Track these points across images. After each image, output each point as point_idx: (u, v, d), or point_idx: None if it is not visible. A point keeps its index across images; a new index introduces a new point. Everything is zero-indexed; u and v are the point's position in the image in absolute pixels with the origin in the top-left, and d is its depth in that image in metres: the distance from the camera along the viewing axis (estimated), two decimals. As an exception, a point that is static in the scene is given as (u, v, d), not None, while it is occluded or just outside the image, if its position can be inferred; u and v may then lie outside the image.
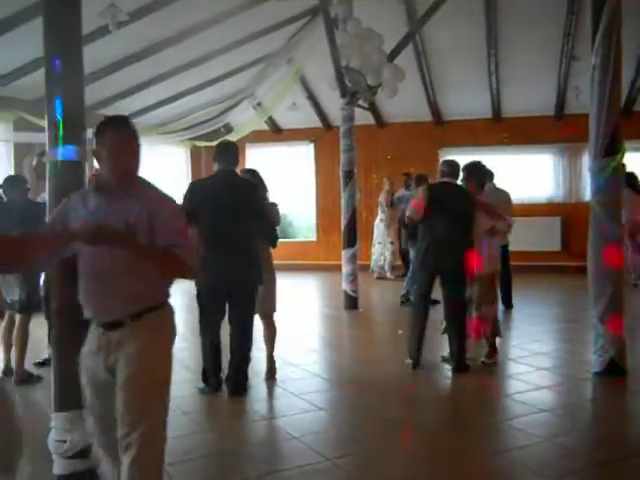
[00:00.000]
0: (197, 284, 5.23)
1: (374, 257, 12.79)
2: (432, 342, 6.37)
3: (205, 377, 5.45)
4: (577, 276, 7.96)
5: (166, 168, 12.64)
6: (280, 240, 5.95)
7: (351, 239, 9.62)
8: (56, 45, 3.64)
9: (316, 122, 14.06)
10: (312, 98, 13.38)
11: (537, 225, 12.38)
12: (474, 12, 10.30)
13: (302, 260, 14.06)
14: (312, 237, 14.80)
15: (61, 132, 3.59)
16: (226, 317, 5.45)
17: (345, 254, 9.62)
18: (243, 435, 4.64)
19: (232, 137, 11.10)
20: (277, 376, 5.84)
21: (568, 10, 10.15)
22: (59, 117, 3.58)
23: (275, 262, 5.91)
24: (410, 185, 10.93)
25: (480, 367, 6.09)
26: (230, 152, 5.46)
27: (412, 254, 8.99)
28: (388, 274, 12.47)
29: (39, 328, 6.00)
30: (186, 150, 14.10)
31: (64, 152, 3.61)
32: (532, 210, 12.52)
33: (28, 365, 6.01)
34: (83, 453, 3.63)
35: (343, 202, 9.65)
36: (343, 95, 9.37)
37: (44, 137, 3.69)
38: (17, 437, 2.79)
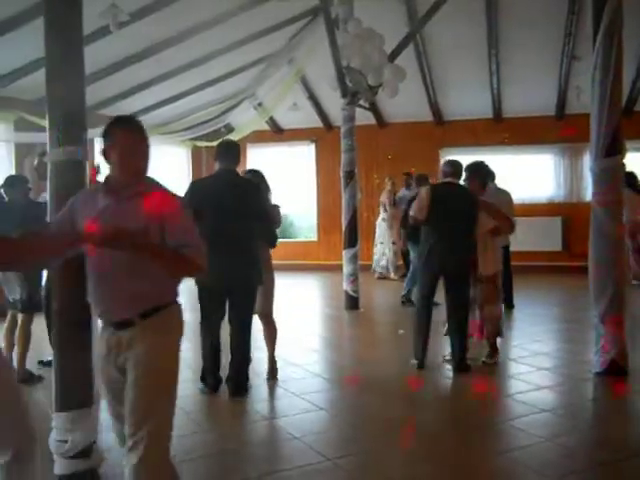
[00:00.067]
0: (197, 283, 5.23)
1: (376, 257, 12.80)
2: (433, 343, 6.35)
3: (204, 377, 5.45)
4: (578, 276, 7.96)
5: (167, 168, 12.64)
6: (281, 240, 5.95)
7: (352, 239, 9.62)
8: (57, 45, 3.64)
9: (317, 122, 14.07)
10: (313, 98, 13.38)
11: (538, 225, 12.38)
12: (475, 12, 10.30)
13: (303, 260, 14.06)
14: (313, 237, 14.80)
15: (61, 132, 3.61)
16: (226, 317, 5.45)
17: (346, 254, 9.61)
18: (244, 435, 4.64)
19: (233, 137, 11.09)
20: (278, 376, 5.84)
21: (569, 10, 10.15)
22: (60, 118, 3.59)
23: (276, 262, 5.91)
24: (411, 185, 10.94)
25: (481, 367, 6.09)
26: (231, 151, 5.46)
27: (412, 254, 9.00)
28: (392, 274, 12.47)
29: (42, 327, 6.00)
30: (187, 150, 14.11)
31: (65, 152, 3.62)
32: (533, 210, 12.52)
33: (32, 364, 6.01)
34: (84, 453, 3.63)
35: (344, 202, 9.65)
36: (344, 95, 9.37)
37: (45, 137, 3.69)
38: (29, 424, 2.83)
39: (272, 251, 5.81)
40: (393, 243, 12.38)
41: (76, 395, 3.62)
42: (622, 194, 5.76)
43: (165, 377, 2.85)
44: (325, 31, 8.99)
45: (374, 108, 12.76)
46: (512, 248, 8.39)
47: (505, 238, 7.58)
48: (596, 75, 5.56)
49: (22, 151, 9.34)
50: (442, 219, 5.80)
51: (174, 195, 2.96)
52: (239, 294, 5.31)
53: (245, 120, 12.54)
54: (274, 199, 6.04)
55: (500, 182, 8.24)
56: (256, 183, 5.62)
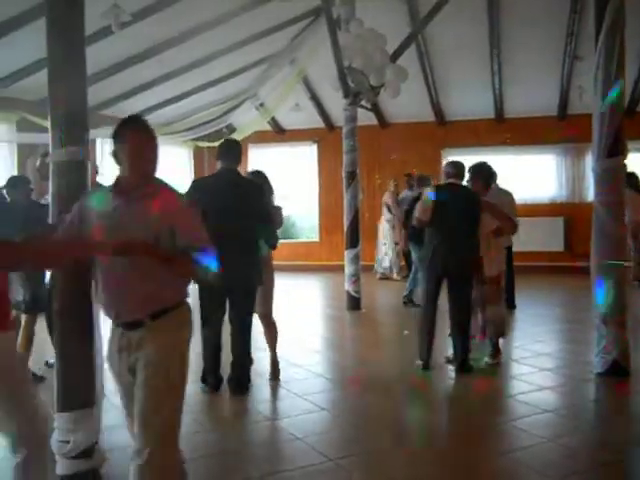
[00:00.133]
0: (197, 283, 5.22)
1: (378, 258, 12.79)
2: (436, 343, 6.35)
3: (204, 377, 5.45)
4: (580, 276, 7.94)
5: (169, 169, 12.64)
6: (283, 241, 5.95)
7: (354, 240, 9.62)
8: (59, 46, 3.64)
9: (319, 123, 14.07)
10: (315, 99, 13.38)
11: (540, 225, 12.36)
12: (477, 12, 10.29)
13: (305, 261, 14.06)
14: (315, 238, 14.80)
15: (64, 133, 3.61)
16: (227, 318, 5.45)
17: (348, 255, 9.61)
18: (245, 435, 4.64)
19: (235, 137, 11.10)
20: (280, 377, 5.83)
21: (571, 9, 10.14)
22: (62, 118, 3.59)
23: (278, 263, 5.92)
24: (413, 186, 10.94)
25: (483, 368, 6.08)
26: (233, 151, 5.47)
27: (414, 255, 9.00)
28: (394, 275, 12.47)
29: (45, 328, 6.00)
30: (189, 150, 14.11)
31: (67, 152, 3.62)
32: (535, 210, 12.50)
33: (36, 365, 6.01)
34: (86, 453, 3.63)
35: (346, 203, 9.65)
36: (346, 95, 9.37)
37: (47, 138, 3.69)
38: (42, 423, 2.84)
39: (274, 252, 5.81)
40: (396, 244, 12.37)
41: (78, 395, 3.62)
42: (624, 194, 5.76)
43: (174, 377, 2.86)
44: (327, 31, 8.98)
45: (376, 108, 12.75)
46: (514, 248, 8.37)
47: (507, 238, 7.57)
48: (598, 75, 5.56)
49: (24, 152, 9.35)
50: (445, 220, 5.79)
51: (184, 196, 2.97)
52: (239, 294, 5.30)
53: (247, 120, 12.54)
54: (276, 200, 6.04)
55: (502, 182, 8.23)
56: (258, 183, 5.61)
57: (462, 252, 5.82)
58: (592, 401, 5.45)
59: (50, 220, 3.70)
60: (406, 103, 11.69)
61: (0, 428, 2.79)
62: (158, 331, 2.82)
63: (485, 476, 3.87)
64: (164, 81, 10.41)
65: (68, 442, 3.55)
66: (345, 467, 3.94)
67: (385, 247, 12.65)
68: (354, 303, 9.40)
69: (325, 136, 14.15)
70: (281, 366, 5.92)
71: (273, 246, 5.67)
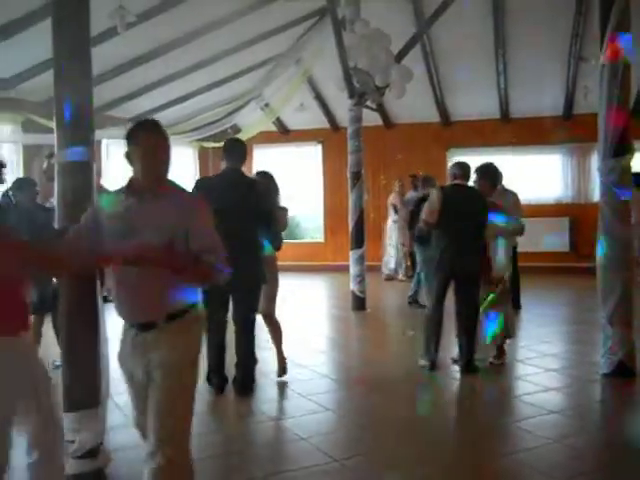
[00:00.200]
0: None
1: (385, 259, 12.77)
2: (441, 343, 6.35)
3: (209, 377, 5.45)
4: (586, 277, 7.93)
5: (173, 169, 12.64)
6: (288, 241, 5.94)
7: (359, 240, 9.62)
8: (65, 47, 3.65)
9: (324, 123, 14.07)
10: (320, 99, 13.38)
11: (545, 226, 12.33)
12: (482, 12, 10.28)
13: (310, 261, 14.06)
14: (320, 238, 14.80)
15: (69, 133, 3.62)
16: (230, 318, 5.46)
17: (353, 255, 9.61)
18: (250, 436, 4.64)
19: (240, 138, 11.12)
20: (285, 377, 5.83)
21: (576, 11, 10.13)
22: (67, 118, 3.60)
23: (283, 263, 5.91)
24: (418, 186, 10.92)
25: (488, 368, 6.07)
26: (237, 150, 5.47)
27: (418, 257, 9.00)
28: (400, 275, 12.46)
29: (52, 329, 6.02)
30: (194, 151, 14.13)
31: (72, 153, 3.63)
32: (540, 211, 12.47)
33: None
34: (92, 453, 3.64)
35: (351, 203, 9.65)
36: (351, 96, 9.37)
37: (53, 138, 3.70)
38: (58, 422, 2.85)
39: (278, 252, 5.80)
40: (402, 245, 12.36)
41: (83, 396, 3.63)
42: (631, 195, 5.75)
43: (187, 378, 2.89)
44: (332, 32, 8.99)
45: (381, 109, 12.75)
46: (519, 249, 8.36)
47: (513, 239, 7.56)
48: (604, 75, 5.54)
49: (30, 152, 9.38)
50: (453, 221, 5.78)
51: (198, 198, 2.98)
52: (242, 293, 5.30)
53: (252, 121, 12.54)
54: (282, 201, 6.03)
55: (507, 183, 8.21)
56: (262, 183, 5.61)
57: (469, 253, 5.81)
58: (598, 402, 5.43)
59: (56, 224, 3.70)
60: (411, 103, 11.67)
61: (16, 428, 2.79)
62: (172, 332, 2.83)
63: (490, 477, 3.86)
64: (169, 82, 10.43)
65: (73, 442, 3.56)
66: (350, 467, 3.94)
67: (391, 248, 12.63)
68: (359, 303, 9.40)
69: (330, 136, 14.14)
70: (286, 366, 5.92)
71: (277, 247, 5.66)
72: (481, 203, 5.93)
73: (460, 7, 9.06)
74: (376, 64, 8.83)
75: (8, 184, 6.21)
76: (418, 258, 9.04)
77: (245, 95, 11.90)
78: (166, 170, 2.90)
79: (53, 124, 3.70)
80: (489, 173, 6.21)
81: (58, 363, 6.26)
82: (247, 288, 5.29)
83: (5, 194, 6.09)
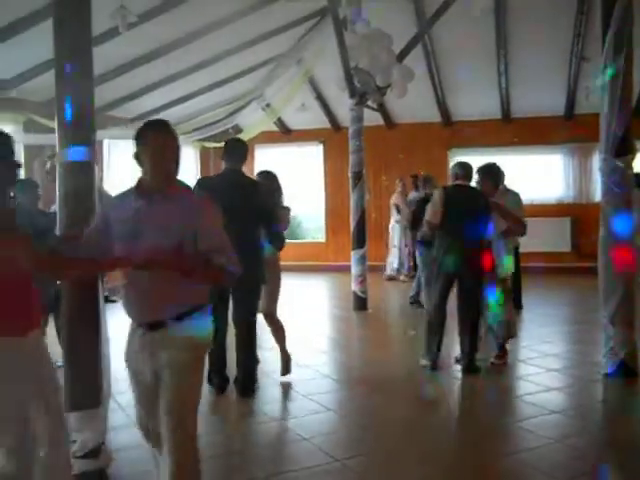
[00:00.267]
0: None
1: (389, 259, 12.76)
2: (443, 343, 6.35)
3: (210, 378, 5.44)
4: (587, 277, 7.93)
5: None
6: (289, 241, 5.93)
7: (360, 240, 9.62)
8: (66, 47, 3.65)
9: (325, 123, 14.07)
10: (321, 99, 13.38)
11: (547, 226, 12.32)
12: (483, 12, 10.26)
13: (311, 261, 14.06)
14: (321, 238, 14.80)
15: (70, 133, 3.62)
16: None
17: (354, 255, 9.61)
18: (251, 436, 4.64)
19: (241, 138, 11.11)
20: (287, 377, 5.82)
21: (578, 10, 10.11)
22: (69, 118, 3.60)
23: (284, 263, 5.91)
24: (419, 187, 10.92)
25: (490, 368, 6.07)
26: (237, 151, 5.46)
27: (418, 257, 9.00)
28: (401, 276, 12.44)
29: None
30: (195, 151, 14.13)
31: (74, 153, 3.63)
32: (542, 211, 12.46)
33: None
34: (93, 453, 3.64)
35: (352, 203, 9.65)
36: (352, 96, 9.37)
37: (54, 138, 3.70)
38: (65, 421, 2.86)
39: (280, 252, 5.79)
40: (405, 245, 12.35)
41: (85, 396, 3.63)
42: (632, 194, 5.74)
43: (195, 377, 2.93)
44: (333, 32, 8.98)
45: (382, 109, 12.75)
46: (521, 249, 8.35)
47: (514, 239, 7.56)
48: (606, 75, 5.54)
49: (32, 153, 9.37)
50: (455, 222, 5.79)
51: (207, 199, 2.99)
52: (242, 294, 5.28)
53: (253, 121, 12.54)
54: (285, 201, 6.03)
55: (509, 183, 8.20)
56: (263, 183, 5.61)
57: (472, 253, 5.82)
58: (600, 402, 5.43)
59: (57, 224, 3.69)
60: (412, 103, 11.66)
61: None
62: (181, 332, 2.84)
63: (492, 477, 3.86)
64: (171, 82, 10.42)
65: (75, 442, 3.56)
66: (352, 467, 3.94)
67: (394, 249, 12.62)
68: (361, 303, 9.40)
69: (331, 136, 14.14)
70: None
71: (279, 247, 5.65)
72: (483, 203, 5.93)
73: (461, 7, 9.03)
74: (377, 64, 8.83)
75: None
76: (418, 258, 9.04)
77: (246, 95, 11.90)
78: (175, 170, 2.90)
79: (54, 124, 3.70)
80: (492, 173, 6.22)
81: (60, 363, 6.26)
82: (247, 288, 5.27)
83: None
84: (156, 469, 3.10)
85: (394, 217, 12.65)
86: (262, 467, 4.01)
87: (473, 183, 6.13)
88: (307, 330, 8.02)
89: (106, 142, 10.77)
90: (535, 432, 4.41)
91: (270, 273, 5.57)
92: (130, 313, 2.95)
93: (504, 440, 4.46)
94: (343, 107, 10.96)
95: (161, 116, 11.15)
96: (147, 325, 2.88)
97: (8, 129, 9.50)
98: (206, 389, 5.42)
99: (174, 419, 2.81)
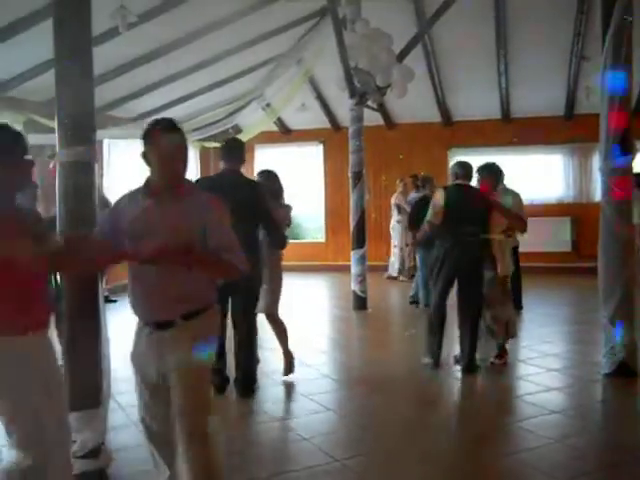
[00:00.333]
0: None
1: (391, 259, 12.75)
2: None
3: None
4: (587, 277, 7.93)
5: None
6: (289, 241, 5.92)
7: (360, 240, 9.62)
8: (66, 47, 3.65)
9: (325, 123, 14.07)
10: (321, 99, 13.38)
11: (547, 226, 12.32)
12: (483, 12, 10.26)
13: (311, 261, 14.05)
14: (321, 238, 14.79)
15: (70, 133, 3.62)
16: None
17: (354, 255, 9.61)
18: (252, 436, 4.64)
19: (241, 138, 11.08)
20: (288, 377, 5.82)
21: (578, 10, 10.11)
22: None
23: (284, 263, 5.90)
24: (419, 187, 10.92)
25: (490, 368, 6.07)
26: (235, 151, 5.42)
27: (418, 256, 9.01)
28: (401, 276, 12.44)
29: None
30: (195, 151, 14.12)
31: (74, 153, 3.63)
32: (542, 211, 12.45)
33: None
34: (93, 453, 3.64)
35: (352, 203, 9.65)
36: (352, 96, 9.37)
37: (54, 138, 3.70)
38: (68, 422, 2.87)
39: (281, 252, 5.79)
40: (406, 245, 12.35)
41: (85, 396, 3.63)
42: (632, 194, 5.74)
43: (206, 376, 2.94)
44: (333, 32, 8.98)
45: (382, 109, 12.74)
46: (521, 249, 8.35)
47: (514, 239, 7.56)
48: (606, 75, 5.54)
49: (32, 153, 9.33)
50: (456, 222, 5.80)
51: (215, 198, 2.99)
52: (241, 294, 5.27)
53: (253, 121, 12.53)
54: (286, 200, 6.03)
55: (509, 183, 8.20)
56: (260, 183, 5.61)
57: (474, 252, 5.83)
58: (600, 402, 5.43)
59: (58, 230, 3.68)
60: (412, 103, 11.66)
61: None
62: (189, 331, 2.84)
63: (492, 477, 3.86)
64: (170, 82, 10.42)
65: (75, 442, 3.56)
66: (352, 467, 3.94)
67: (395, 249, 12.61)
68: (360, 303, 9.40)
69: (331, 136, 14.14)
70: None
71: (282, 246, 5.63)
72: (484, 203, 5.94)
73: (461, 6, 9.04)
74: (377, 64, 8.82)
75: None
76: (417, 258, 9.05)
77: (246, 95, 11.90)
78: (183, 170, 2.90)
79: (55, 124, 3.70)
80: (491, 172, 6.25)
81: (60, 363, 6.25)
82: (246, 288, 5.27)
83: None
84: (156, 469, 3.10)
85: (395, 217, 12.64)
86: (262, 467, 4.02)
87: (473, 182, 6.15)
88: (307, 330, 8.01)
89: (106, 142, 10.76)
90: (535, 432, 4.41)
91: (272, 273, 5.57)
92: (137, 312, 2.95)
93: (504, 440, 4.47)
94: (343, 107, 10.96)
95: (161, 116, 11.15)
96: (154, 324, 2.87)
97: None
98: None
99: (188, 421, 2.82)
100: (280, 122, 14.17)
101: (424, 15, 10.12)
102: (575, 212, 12.89)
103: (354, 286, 9.49)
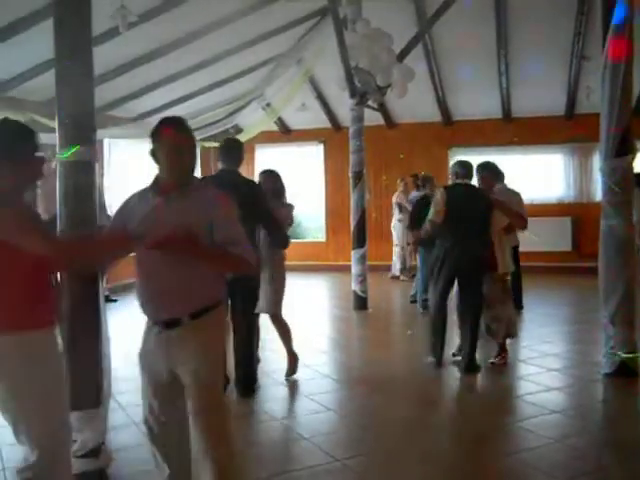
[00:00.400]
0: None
1: (394, 259, 12.74)
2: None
3: None
4: (588, 277, 7.93)
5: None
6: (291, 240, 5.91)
7: (360, 240, 9.62)
8: (66, 47, 3.65)
9: (325, 123, 14.07)
10: (321, 99, 13.38)
11: (548, 225, 12.31)
12: (484, 12, 10.27)
13: (312, 261, 14.05)
14: (321, 238, 14.79)
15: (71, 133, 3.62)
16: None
17: (354, 255, 9.62)
18: (252, 436, 4.64)
19: (241, 138, 11.08)
20: (289, 378, 5.82)
21: (578, 10, 10.11)
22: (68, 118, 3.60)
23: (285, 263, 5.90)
24: (419, 186, 10.93)
25: (490, 368, 6.07)
26: (233, 152, 5.37)
27: (418, 256, 9.01)
28: (401, 276, 12.44)
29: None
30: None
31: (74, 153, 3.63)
32: (542, 210, 12.45)
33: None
34: (94, 453, 3.65)
35: (352, 203, 9.65)
36: (352, 95, 9.37)
37: (55, 138, 3.70)
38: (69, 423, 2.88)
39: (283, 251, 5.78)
40: (408, 244, 12.35)
41: (85, 395, 3.63)
42: (632, 194, 5.74)
43: (219, 375, 2.96)
44: (333, 31, 8.98)
45: (383, 108, 12.74)
46: (521, 248, 8.36)
47: (515, 238, 7.58)
48: (606, 74, 5.54)
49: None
50: (457, 221, 5.81)
51: (222, 194, 3.00)
52: (240, 295, 5.27)
53: (253, 121, 12.53)
54: (288, 199, 6.04)
55: (510, 182, 8.21)
56: (258, 183, 5.61)
57: (474, 252, 5.84)
58: (600, 402, 5.43)
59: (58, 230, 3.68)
60: (413, 103, 11.66)
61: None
62: (198, 330, 2.85)
63: (492, 476, 3.86)
64: (171, 81, 10.42)
65: (75, 441, 3.57)
66: (352, 467, 3.94)
67: (397, 248, 12.61)
68: (361, 303, 9.40)
69: (331, 136, 14.14)
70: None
71: (284, 245, 5.63)
72: (484, 201, 5.96)
73: (462, 6, 9.04)
74: (377, 64, 8.82)
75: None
76: (419, 260, 9.06)
77: (247, 95, 11.90)
78: (191, 167, 2.91)
79: (55, 124, 3.70)
80: (489, 169, 6.33)
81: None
82: (246, 288, 5.27)
83: None
84: (157, 469, 3.10)
85: (396, 216, 12.63)
86: (263, 467, 4.01)
87: (473, 181, 6.18)
88: (307, 330, 8.01)
89: (106, 141, 10.77)
90: (535, 432, 4.41)
91: (275, 273, 5.56)
92: (146, 311, 2.95)
93: (504, 440, 4.46)
94: (343, 107, 10.97)
95: (161, 116, 11.14)
96: (163, 323, 2.87)
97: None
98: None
99: (204, 421, 2.84)
100: (280, 122, 14.17)
101: (424, 15, 10.13)
102: (575, 212, 12.89)
103: (354, 286, 9.49)
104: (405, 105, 12.06)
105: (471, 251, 5.83)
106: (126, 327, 7.05)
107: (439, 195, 6.06)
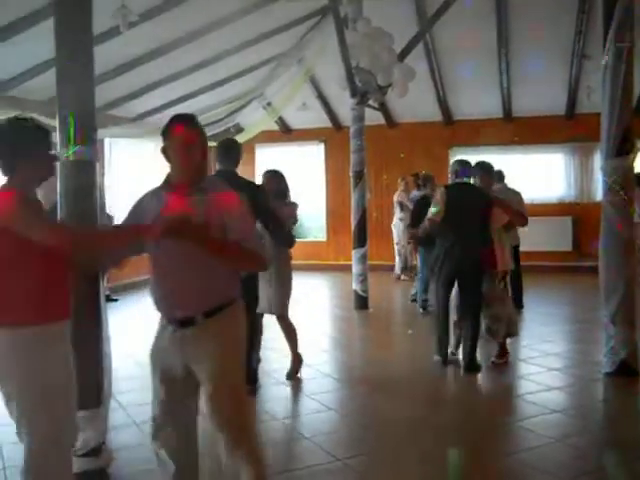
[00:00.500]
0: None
1: (397, 258, 12.73)
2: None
3: None
4: (588, 276, 7.93)
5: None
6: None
7: (361, 239, 9.62)
8: (67, 46, 3.66)
9: (326, 122, 14.06)
10: (322, 98, 13.38)
11: (548, 225, 12.32)
12: (485, 11, 10.27)
13: (312, 260, 14.05)
14: (322, 237, 14.79)
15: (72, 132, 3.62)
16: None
17: (355, 254, 9.62)
18: (253, 435, 4.64)
19: (242, 137, 11.12)
20: (288, 379, 5.81)
21: (579, 9, 10.11)
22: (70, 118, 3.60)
23: (285, 262, 5.89)
24: (420, 186, 10.93)
25: (490, 367, 6.07)
26: (231, 153, 5.31)
27: (419, 256, 9.01)
28: (402, 276, 12.43)
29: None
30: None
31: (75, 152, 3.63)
32: (543, 210, 12.45)
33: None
34: (94, 452, 3.65)
35: (353, 202, 9.66)
36: (353, 95, 9.37)
37: (55, 137, 3.70)
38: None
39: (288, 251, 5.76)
40: (408, 243, 12.34)
41: (86, 395, 3.63)
42: (633, 194, 5.75)
43: (234, 372, 2.89)
44: (334, 31, 8.98)
45: (383, 108, 12.73)
46: (522, 248, 8.36)
47: (515, 237, 7.58)
48: (607, 74, 5.54)
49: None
50: (458, 220, 5.82)
51: (235, 192, 2.99)
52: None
53: (254, 120, 12.54)
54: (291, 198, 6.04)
55: (510, 182, 8.21)
56: (257, 183, 5.60)
57: (475, 251, 5.84)
58: (601, 401, 5.43)
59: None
60: (414, 102, 11.66)
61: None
62: (213, 328, 2.83)
63: (493, 476, 3.86)
64: (171, 81, 10.41)
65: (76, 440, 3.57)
66: (353, 466, 3.94)
67: (398, 246, 12.60)
68: (362, 302, 9.40)
69: (332, 135, 14.14)
70: (289, 365, 5.89)
71: (289, 245, 5.61)
72: (485, 200, 5.96)
73: (463, 6, 9.04)
74: (378, 63, 8.82)
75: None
76: (419, 260, 9.06)
77: (247, 94, 11.90)
78: (202, 165, 2.90)
79: (56, 123, 3.70)
80: (485, 167, 6.35)
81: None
82: (245, 288, 5.25)
83: None
84: (159, 467, 3.08)
85: (397, 214, 12.62)
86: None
87: (473, 180, 6.19)
88: (308, 329, 7.99)
89: (107, 141, 10.78)
90: (536, 431, 4.41)
91: (282, 273, 5.55)
92: (160, 309, 2.94)
93: (505, 439, 4.47)
94: (344, 106, 10.97)
95: (161, 116, 11.15)
96: (177, 322, 2.86)
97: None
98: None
99: (222, 417, 2.82)
100: (281, 121, 14.17)
101: (425, 14, 10.12)
102: (576, 211, 12.88)
103: (355, 285, 9.49)
104: (406, 104, 12.06)
105: (471, 250, 5.83)
106: (127, 327, 7.09)
107: (439, 194, 6.07)
